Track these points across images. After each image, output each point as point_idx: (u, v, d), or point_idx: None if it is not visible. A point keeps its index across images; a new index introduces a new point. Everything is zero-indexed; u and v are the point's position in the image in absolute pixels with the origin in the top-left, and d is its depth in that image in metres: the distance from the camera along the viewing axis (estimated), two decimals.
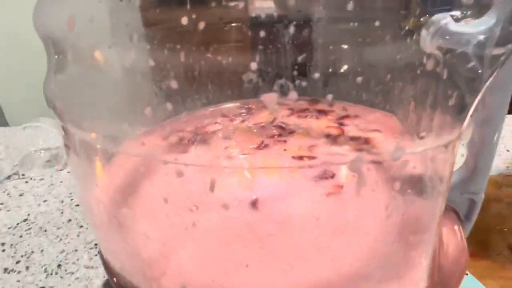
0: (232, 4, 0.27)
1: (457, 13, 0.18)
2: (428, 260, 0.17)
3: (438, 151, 0.14)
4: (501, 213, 0.39)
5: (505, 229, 0.36)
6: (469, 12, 0.18)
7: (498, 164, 0.50)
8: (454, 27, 0.17)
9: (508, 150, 0.53)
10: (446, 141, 0.14)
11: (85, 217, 0.43)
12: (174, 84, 0.28)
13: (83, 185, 0.20)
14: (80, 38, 0.15)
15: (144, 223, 0.15)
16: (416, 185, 0.15)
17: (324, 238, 0.15)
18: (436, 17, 0.18)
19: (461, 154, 0.21)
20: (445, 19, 0.18)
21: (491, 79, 0.15)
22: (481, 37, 0.15)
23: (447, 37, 0.17)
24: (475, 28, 0.16)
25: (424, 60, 0.19)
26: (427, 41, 0.18)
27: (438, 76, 0.18)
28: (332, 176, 0.19)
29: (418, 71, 0.20)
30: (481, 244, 0.35)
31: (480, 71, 0.15)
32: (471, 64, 0.15)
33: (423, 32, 0.18)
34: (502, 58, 0.15)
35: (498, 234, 0.36)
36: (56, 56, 0.15)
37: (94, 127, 0.18)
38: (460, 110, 0.15)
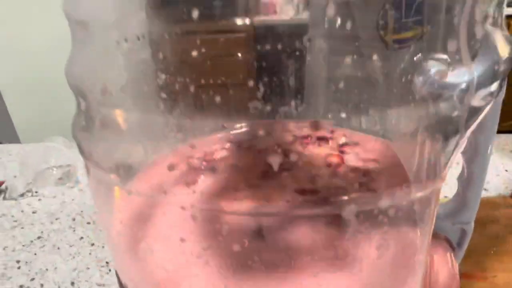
0: (238, 35, 0.29)
1: (444, 56, 0.20)
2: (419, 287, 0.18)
3: (421, 198, 0.16)
4: (498, 234, 0.40)
5: (502, 251, 0.38)
6: (457, 57, 0.19)
7: (497, 184, 0.51)
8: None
9: (506, 170, 0.54)
10: (429, 190, 0.16)
11: (106, 244, 0.44)
12: (184, 112, 0.30)
13: (104, 214, 0.22)
14: (104, 92, 0.17)
15: (162, 258, 0.16)
16: (402, 226, 0.16)
17: (322, 269, 0.16)
18: (427, 65, 0.20)
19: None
20: (433, 68, 0.19)
21: (471, 128, 0.16)
22: (464, 88, 0.17)
23: (436, 86, 0.19)
24: (460, 78, 0.18)
25: (416, 102, 0.20)
26: (418, 88, 0.20)
27: (429, 118, 0.19)
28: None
29: (412, 107, 0.22)
30: (477, 266, 0.36)
31: (460, 114, 0.17)
32: (456, 112, 0.17)
33: (415, 79, 0.20)
34: (481, 109, 0.17)
35: (494, 256, 0.37)
36: (82, 107, 0.17)
37: (115, 161, 0.20)
38: (445, 156, 0.16)
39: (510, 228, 0.41)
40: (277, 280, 0.16)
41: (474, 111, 0.16)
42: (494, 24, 0.16)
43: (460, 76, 0.18)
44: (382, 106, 0.25)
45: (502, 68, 0.15)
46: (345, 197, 0.17)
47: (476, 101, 0.16)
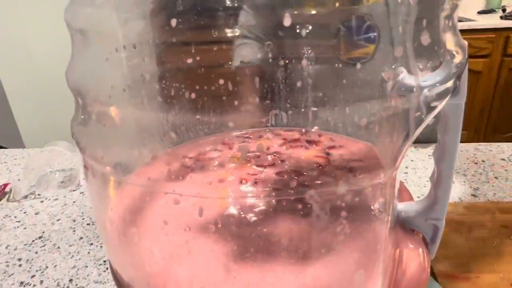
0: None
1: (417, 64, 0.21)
2: (381, 275, 0.20)
3: (372, 189, 0.18)
4: (484, 238, 0.41)
5: (487, 253, 0.39)
6: (428, 64, 0.21)
7: (486, 191, 0.52)
8: (408, 80, 0.21)
9: (496, 178, 0.55)
10: (386, 178, 0.17)
11: (99, 234, 0.46)
12: (179, 117, 0.32)
13: (97, 205, 0.23)
14: (101, 95, 0.19)
15: (148, 240, 0.18)
16: (360, 211, 0.18)
17: (292, 255, 0.18)
18: (396, 71, 0.21)
19: None
20: (402, 73, 0.21)
21: (424, 123, 0.18)
22: (426, 91, 0.19)
23: (403, 89, 0.20)
24: (423, 83, 0.19)
25: (390, 104, 0.22)
26: (389, 90, 0.22)
27: (399, 118, 0.21)
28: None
29: (390, 112, 0.24)
30: (462, 267, 0.37)
31: (415, 110, 0.19)
32: (412, 109, 0.19)
33: (386, 83, 0.22)
34: (436, 106, 0.18)
35: (479, 258, 0.38)
36: (80, 105, 0.19)
37: (110, 157, 0.22)
38: (400, 147, 0.18)
39: (495, 231, 0.42)
40: (254, 263, 0.18)
41: (430, 108, 0.18)
42: (449, 32, 0.18)
43: (423, 81, 0.19)
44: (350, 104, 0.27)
45: (454, 70, 0.17)
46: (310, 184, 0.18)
47: (432, 99, 0.18)
